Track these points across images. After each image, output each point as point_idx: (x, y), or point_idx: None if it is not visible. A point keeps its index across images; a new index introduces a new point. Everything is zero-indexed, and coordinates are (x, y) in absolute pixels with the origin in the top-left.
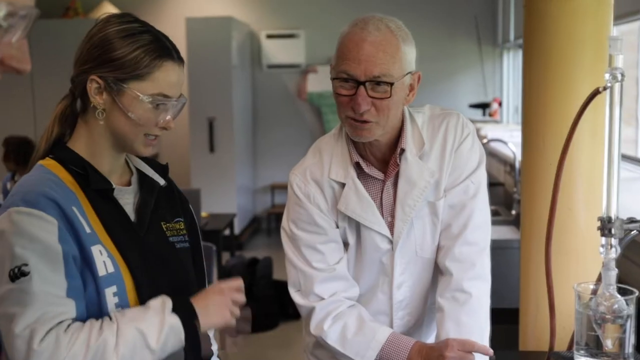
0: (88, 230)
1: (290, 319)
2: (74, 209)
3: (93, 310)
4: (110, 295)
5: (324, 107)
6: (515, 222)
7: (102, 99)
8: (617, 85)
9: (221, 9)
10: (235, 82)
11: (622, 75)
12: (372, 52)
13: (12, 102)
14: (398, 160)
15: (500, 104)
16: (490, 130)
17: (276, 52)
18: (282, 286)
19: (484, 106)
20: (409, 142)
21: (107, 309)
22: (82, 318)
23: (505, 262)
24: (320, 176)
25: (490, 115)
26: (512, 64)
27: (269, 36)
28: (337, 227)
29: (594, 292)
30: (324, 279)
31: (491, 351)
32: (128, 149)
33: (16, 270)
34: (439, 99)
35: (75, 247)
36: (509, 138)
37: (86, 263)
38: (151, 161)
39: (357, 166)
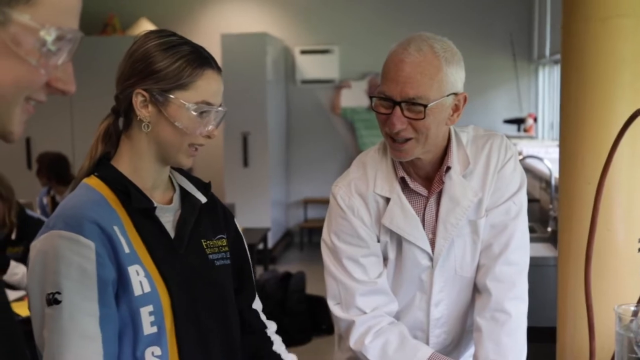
0: (127, 250)
1: (323, 334)
2: (115, 229)
3: (127, 329)
4: (145, 314)
5: (357, 123)
6: (551, 239)
7: (147, 111)
8: None
9: (256, 25)
10: (270, 97)
11: None
12: (410, 73)
13: (51, 118)
14: (443, 178)
15: (535, 120)
16: (525, 146)
17: (310, 67)
18: (315, 301)
19: (518, 122)
20: (455, 161)
21: (142, 327)
22: (111, 348)
23: (540, 279)
24: (365, 190)
25: (525, 131)
26: (547, 80)
27: (303, 52)
28: (379, 241)
29: (635, 314)
30: (365, 292)
31: None
32: (172, 160)
33: (51, 296)
34: (474, 114)
35: (113, 270)
36: (544, 154)
37: (122, 283)
38: (193, 179)
39: (402, 181)
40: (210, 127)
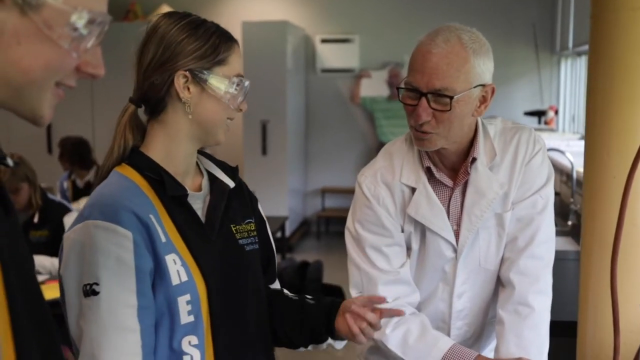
0: (163, 239)
1: None
2: (151, 217)
3: (164, 319)
4: (183, 304)
5: (376, 112)
6: (572, 232)
7: (189, 92)
8: None
9: (277, 13)
10: (290, 85)
11: None
12: (436, 64)
13: (72, 103)
14: (469, 169)
15: (556, 112)
16: (546, 139)
17: (330, 56)
18: (332, 290)
19: (539, 114)
20: (481, 152)
21: (179, 317)
22: (149, 339)
23: (560, 273)
24: (391, 179)
25: (546, 123)
26: (569, 72)
27: (324, 40)
28: (402, 231)
29: None
30: (387, 282)
31: None
32: (211, 138)
33: (88, 287)
34: (494, 105)
35: (150, 260)
36: (565, 147)
37: (160, 273)
38: (220, 163)
39: (428, 171)
40: (242, 101)
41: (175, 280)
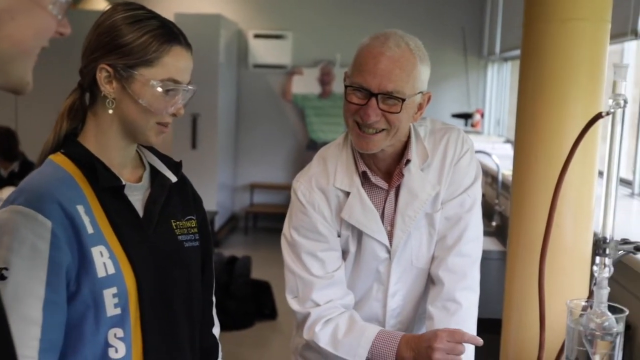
0: (91, 230)
1: (266, 319)
2: (78, 208)
3: (89, 312)
4: (109, 296)
5: (307, 110)
6: (496, 233)
7: (112, 87)
8: (619, 111)
9: (210, 7)
10: (221, 79)
11: (625, 101)
12: (389, 67)
13: None
14: (403, 171)
15: (482, 115)
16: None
17: (263, 52)
18: (260, 286)
19: (466, 116)
20: (414, 154)
21: (105, 309)
22: (53, 335)
23: (484, 273)
24: (325, 184)
25: (473, 125)
26: (496, 76)
27: (257, 36)
28: (339, 235)
29: (585, 308)
30: (322, 287)
31: (481, 341)
32: (139, 137)
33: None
34: None
35: (69, 254)
36: (490, 150)
37: (84, 265)
38: (164, 157)
39: (363, 175)
40: (176, 106)
41: (101, 273)
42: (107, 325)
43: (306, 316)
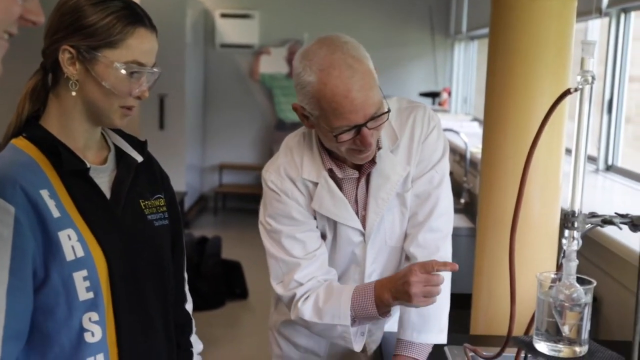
0: (57, 214)
1: (237, 298)
2: (42, 193)
3: (60, 298)
4: (79, 279)
5: (275, 89)
6: (465, 210)
7: (75, 69)
8: (587, 87)
9: None
10: (188, 60)
11: (593, 78)
12: (364, 96)
13: None
14: (375, 159)
15: (450, 94)
16: (440, 120)
17: (230, 31)
18: (230, 265)
19: (434, 95)
20: (384, 138)
21: (77, 294)
22: (18, 324)
23: (454, 249)
24: (294, 175)
25: (440, 104)
26: (463, 55)
27: (223, 15)
28: (314, 218)
29: (554, 281)
30: (304, 267)
31: (456, 266)
32: (103, 120)
33: None
34: (391, 86)
35: (33, 240)
36: (458, 128)
37: (52, 250)
38: (129, 137)
39: (330, 172)
40: (141, 89)
41: (69, 256)
42: (80, 309)
43: (292, 297)
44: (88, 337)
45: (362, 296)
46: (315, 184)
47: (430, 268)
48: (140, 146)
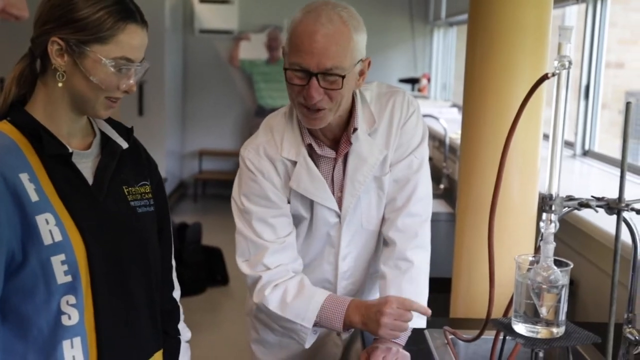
0: (35, 198)
1: (217, 285)
2: (21, 177)
3: (39, 282)
4: (57, 263)
5: (255, 75)
6: (444, 195)
7: (63, 61)
8: (564, 72)
9: None
10: (167, 45)
11: (570, 63)
12: (325, 45)
13: None
14: (351, 139)
15: (429, 80)
16: (420, 106)
17: (209, 17)
18: (211, 252)
19: (413, 81)
20: (361, 121)
21: (54, 277)
22: None
23: (433, 234)
24: (273, 154)
25: (420, 90)
26: (442, 42)
27: (202, 0)
28: (289, 202)
29: (532, 263)
30: (273, 251)
31: (429, 311)
32: (88, 111)
33: None
34: (371, 72)
35: (8, 226)
36: (438, 114)
37: (30, 233)
38: (115, 123)
39: (309, 147)
40: (128, 83)
41: (47, 240)
42: (58, 293)
43: (257, 279)
44: (65, 320)
45: (332, 310)
46: (294, 163)
47: (408, 305)
48: (127, 132)
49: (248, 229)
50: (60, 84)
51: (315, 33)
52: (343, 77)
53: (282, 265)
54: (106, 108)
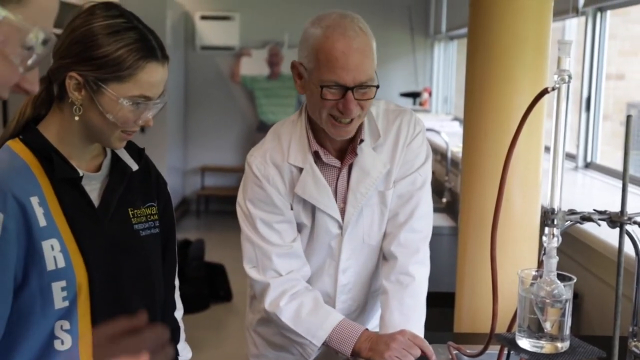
0: (43, 223)
1: (220, 301)
2: (32, 200)
3: (36, 304)
4: (57, 289)
5: (257, 91)
6: (447, 209)
7: (80, 95)
8: (564, 86)
9: None
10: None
11: (570, 77)
12: (359, 59)
13: None
14: (357, 150)
15: (430, 94)
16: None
17: (210, 33)
18: (214, 268)
19: (414, 95)
20: (367, 134)
21: (53, 302)
22: None
23: (436, 248)
24: (279, 160)
25: (421, 104)
26: (442, 55)
27: (204, 17)
28: (292, 209)
29: (535, 278)
30: (281, 255)
31: (434, 356)
32: (102, 142)
33: None
34: None
35: (16, 247)
36: (440, 128)
37: (34, 258)
38: (128, 144)
39: (316, 154)
40: (145, 119)
41: (50, 266)
42: (54, 317)
43: (266, 286)
44: (57, 345)
45: (345, 334)
46: (300, 170)
47: (419, 342)
48: (138, 153)
49: (254, 234)
50: (76, 118)
51: (348, 49)
52: (377, 87)
53: (293, 272)
54: (121, 140)
